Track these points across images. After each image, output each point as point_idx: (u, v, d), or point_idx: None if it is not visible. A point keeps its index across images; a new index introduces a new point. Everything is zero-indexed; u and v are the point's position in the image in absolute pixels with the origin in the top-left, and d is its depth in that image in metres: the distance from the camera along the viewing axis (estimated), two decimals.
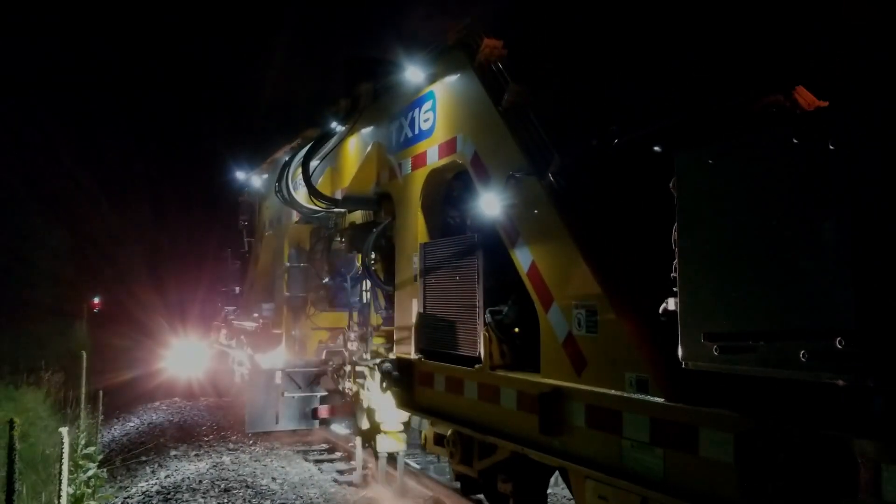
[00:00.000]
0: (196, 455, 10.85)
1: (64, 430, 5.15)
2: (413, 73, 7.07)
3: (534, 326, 5.30)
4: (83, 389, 7.64)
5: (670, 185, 3.91)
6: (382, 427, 8.10)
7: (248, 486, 8.88)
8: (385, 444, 8.15)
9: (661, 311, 3.95)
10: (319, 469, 9.86)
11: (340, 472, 9.69)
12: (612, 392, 4.34)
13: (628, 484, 4.18)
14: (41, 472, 7.68)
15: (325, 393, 10.85)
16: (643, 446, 4.13)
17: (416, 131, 7.30)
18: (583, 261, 4.66)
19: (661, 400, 3.98)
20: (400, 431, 8.14)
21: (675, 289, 3.83)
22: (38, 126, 38.10)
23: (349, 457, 9.76)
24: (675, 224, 3.82)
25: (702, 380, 3.76)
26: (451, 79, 6.61)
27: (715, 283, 3.50)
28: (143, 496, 8.67)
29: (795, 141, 3.21)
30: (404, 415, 7.81)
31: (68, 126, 38.29)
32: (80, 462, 7.00)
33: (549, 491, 6.56)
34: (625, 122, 5.13)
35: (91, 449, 7.19)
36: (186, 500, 8.49)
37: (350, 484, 9.28)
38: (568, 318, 4.79)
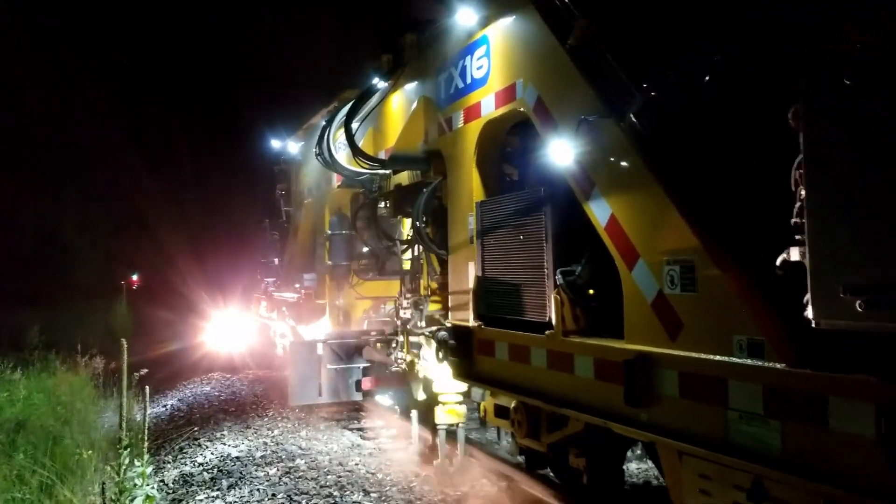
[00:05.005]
0: (262, 457, 9.45)
1: None
2: (464, 15, 6.49)
3: (611, 287, 4.78)
4: (124, 408, 6.34)
5: (789, 115, 3.33)
6: (440, 399, 7.68)
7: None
8: (443, 416, 7.73)
9: (778, 262, 3.40)
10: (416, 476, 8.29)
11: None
12: (716, 358, 3.81)
13: (738, 461, 3.67)
14: (78, 475, 7.05)
15: (368, 364, 10.52)
16: (755, 418, 3.60)
17: (469, 80, 6.74)
18: (675, 210, 4.10)
19: (780, 365, 3.44)
20: (459, 402, 7.70)
21: (798, 236, 3.27)
22: (75, 102, 38.31)
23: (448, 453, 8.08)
24: (799, 159, 3.26)
25: (830, 341, 3.23)
26: (508, 20, 6.02)
27: (859, 225, 2.93)
28: None
29: None
30: (463, 385, 7.36)
31: (105, 101, 38.37)
32: (126, 485, 5.95)
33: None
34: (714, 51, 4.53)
35: (138, 467, 6.14)
36: None
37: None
38: (658, 276, 4.25)
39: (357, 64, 10.72)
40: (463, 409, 7.75)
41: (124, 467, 5.67)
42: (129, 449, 5.86)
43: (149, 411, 13.58)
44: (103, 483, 4.95)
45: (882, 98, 2.90)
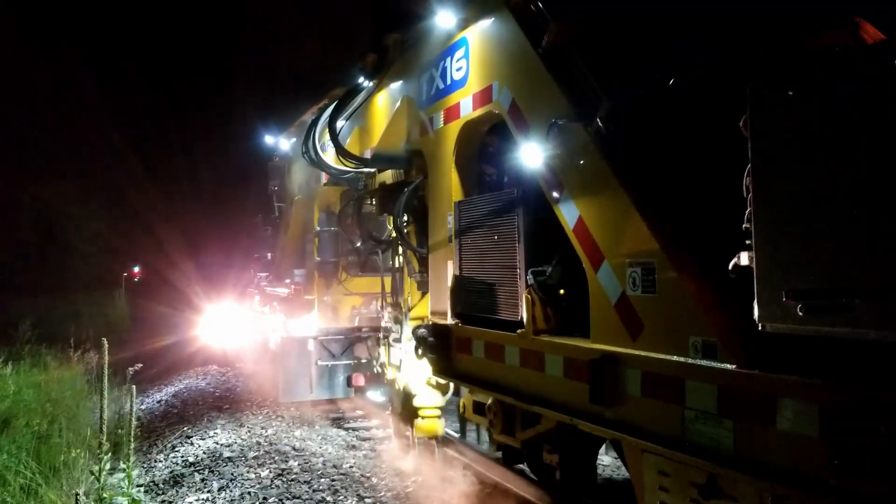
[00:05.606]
0: (255, 458, 9.23)
1: None
2: (444, 18, 6.57)
3: (580, 288, 4.87)
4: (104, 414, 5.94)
5: (740, 123, 3.42)
6: (420, 413, 7.72)
7: None
8: (422, 429, 7.77)
9: (731, 267, 3.50)
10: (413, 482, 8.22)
11: None
12: (674, 358, 3.91)
13: (693, 458, 3.77)
14: (65, 475, 6.93)
15: (358, 361, 10.59)
16: (710, 418, 3.70)
17: (449, 82, 6.82)
18: (637, 213, 4.19)
19: (731, 367, 3.54)
20: (437, 417, 7.76)
21: (748, 241, 3.37)
22: (74, 96, 38.34)
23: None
24: (749, 167, 3.35)
25: (779, 344, 3.32)
26: (486, 22, 6.11)
27: (801, 233, 3.03)
28: None
29: None
30: (441, 400, 7.60)
31: (103, 95, 38.41)
32: (103, 494, 5.82)
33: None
34: (681, 61, 4.62)
35: (121, 474, 5.97)
36: None
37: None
38: (621, 278, 4.35)
39: (347, 61, 10.77)
40: (442, 423, 7.81)
41: (105, 473, 5.61)
42: (110, 454, 5.77)
43: (143, 406, 13.64)
44: (77, 494, 4.89)
45: (823, 109, 2.99)
